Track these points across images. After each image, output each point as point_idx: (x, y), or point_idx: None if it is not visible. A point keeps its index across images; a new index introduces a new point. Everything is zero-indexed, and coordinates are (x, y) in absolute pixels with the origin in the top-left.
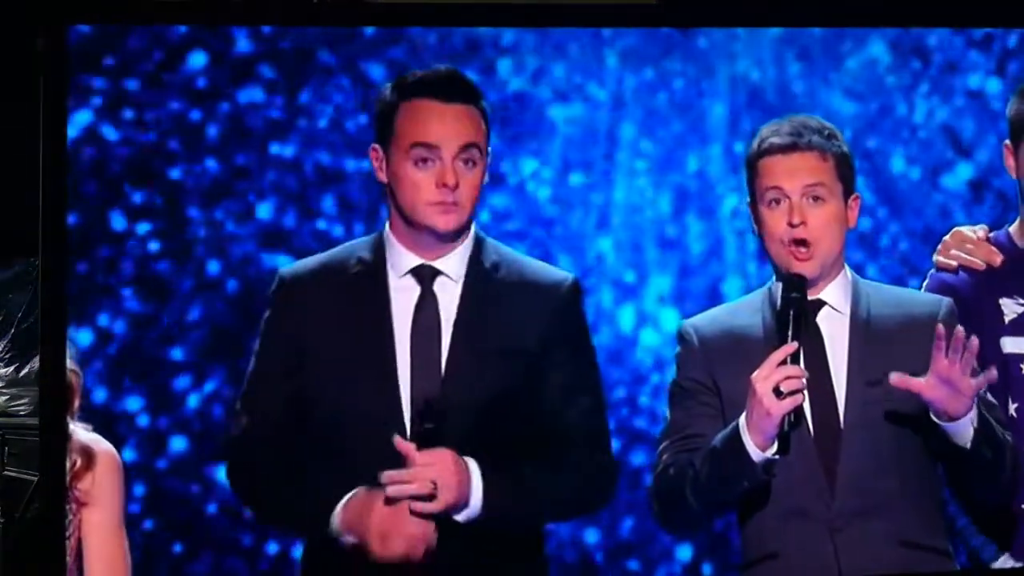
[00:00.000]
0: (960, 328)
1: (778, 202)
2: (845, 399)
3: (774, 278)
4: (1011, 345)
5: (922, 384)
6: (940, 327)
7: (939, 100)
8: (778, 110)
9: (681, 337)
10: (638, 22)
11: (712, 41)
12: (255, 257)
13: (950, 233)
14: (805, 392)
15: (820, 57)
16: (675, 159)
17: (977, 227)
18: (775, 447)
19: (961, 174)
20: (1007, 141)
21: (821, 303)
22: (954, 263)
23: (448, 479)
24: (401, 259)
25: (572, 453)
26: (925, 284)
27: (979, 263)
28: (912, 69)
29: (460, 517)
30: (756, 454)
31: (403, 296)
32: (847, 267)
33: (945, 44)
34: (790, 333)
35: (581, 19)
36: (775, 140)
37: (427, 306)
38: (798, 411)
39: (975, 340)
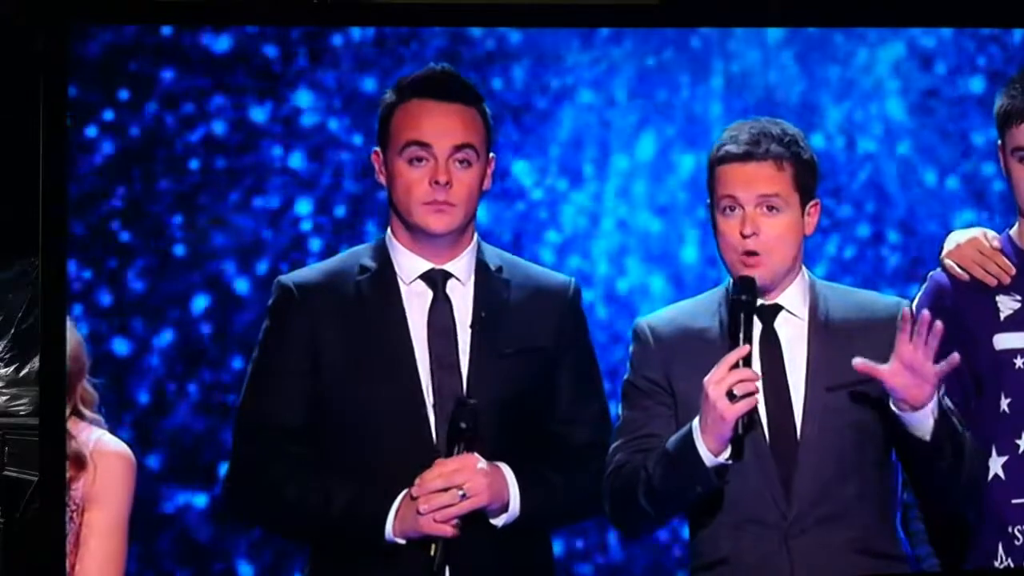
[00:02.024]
0: (926, 312)
1: (732, 210)
2: (804, 404)
3: (729, 280)
4: (1005, 341)
5: (885, 370)
6: (906, 309)
7: (937, 100)
8: (775, 110)
9: (636, 336)
10: (638, 22)
11: (707, 40)
12: (257, 260)
13: (966, 239)
14: (761, 397)
15: (818, 56)
16: (673, 160)
17: (990, 234)
18: (728, 452)
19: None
20: (999, 141)
21: (778, 308)
22: (966, 276)
23: (476, 483)
24: (409, 264)
25: (585, 454)
26: (925, 286)
27: (993, 279)
28: (911, 69)
29: (498, 521)
30: (709, 459)
31: (415, 300)
32: (805, 270)
33: (944, 44)
34: (741, 336)
35: (581, 19)
36: (731, 148)
37: (441, 309)
38: (751, 415)
39: (939, 324)
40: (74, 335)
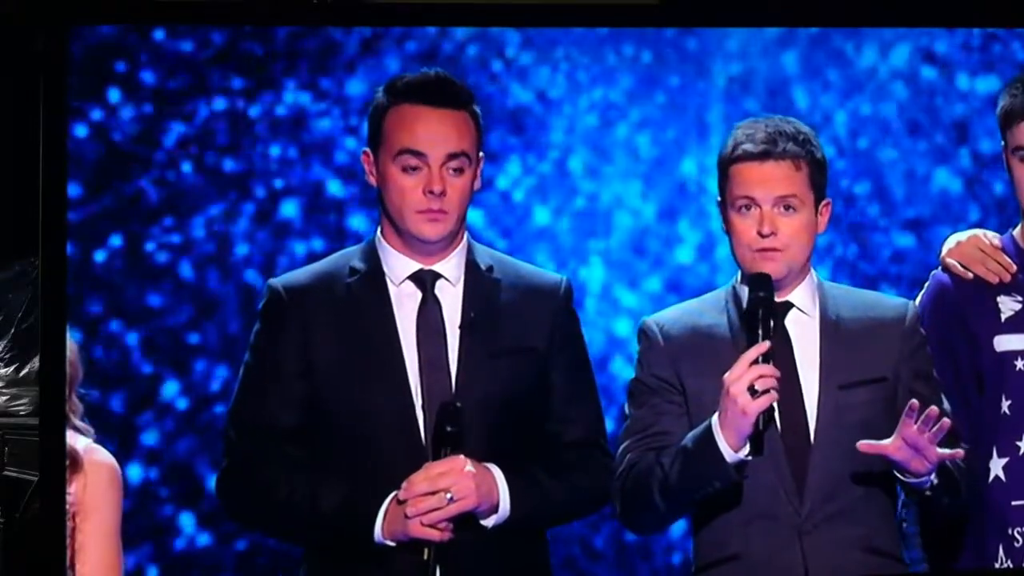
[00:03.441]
0: (934, 407)
1: (748, 208)
2: (817, 402)
3: (738, 276)
4: (1006, 342)
5: (889, 447)
6: (914, 401)
7: (938, 100)
8: (775, 109)
9: (644, 334)
10: (638, 22)
11: (706, 41)
12: (260, 258)
13: (966, 237)
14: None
15: (818, 56)
16: (672, 160)
17: (990, 233)
18: (748, 447)
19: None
20: (1002, 142)
21: (789, 305)
22: (969, 274)
23: (463, 486)
24: (398, 265)
25: (579, 453)
26: (928, 285)
27: (994, 277)
28: (910, 68)
29: (488, 522)
30: (729, 454)
31: (405, 301)
32: (813, 270)
33: (946, 44)
34: (760, 332)
35: (581, 19)
36: (748, 147)
37: (430, 310)
38: (769, 411)
39: (947, 421)
40: (71, 343)
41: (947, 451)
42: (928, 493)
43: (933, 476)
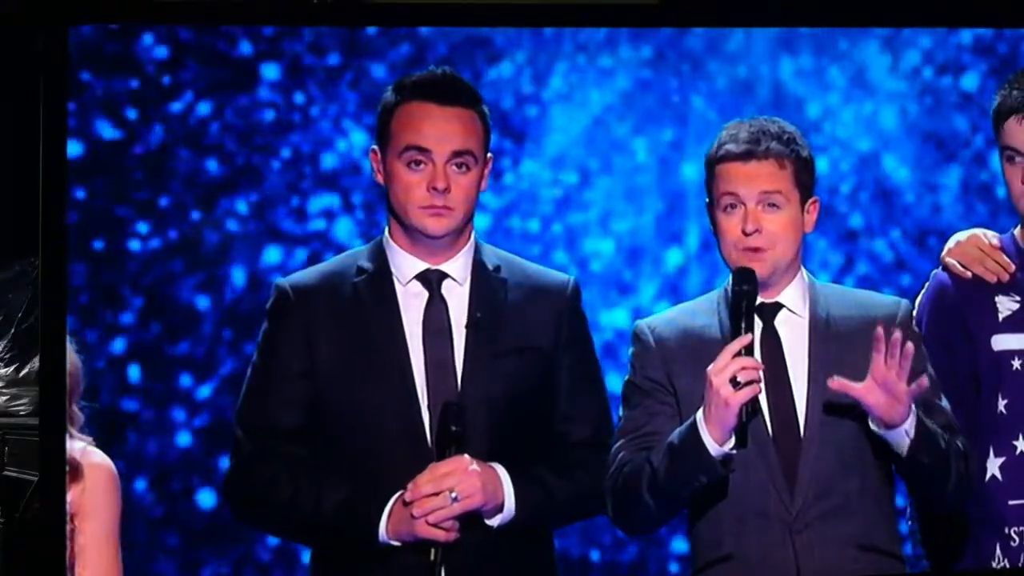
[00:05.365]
0: (897, 332)
1: (734, 207)
2: (807, 401)
3: (730, 279)
4: (1003, 342)
5: (860, 389)
6: (879, 330)
7: (936, 100)
8: (775, 110)
9: (637, 337)
10: (638, 22)
11: (707, 40)
12: (257, 259)
13: (966, 236)
14: (763, 390)
15: (817, 56)
16: (672, 160)
17: (989, 233)
18: (733, 441)
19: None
20: (997, 143)
21: (779, 306)
22: (968, 274)
23: (468, 485)
24: (405, 264)
25: (585, 452)
26: (928, 285)
27: (993, 276)
28: (910, 69)
29: (493, 522)
30: (714, 448)
31: (411, 301)
32: (804, 270)
33: (942, 44)
34: (743, 325)
35: (581, 19)
36: (732, 147)
37: (437, 309)
38: (754, 404)
39: (911, 345)
40: (72, 356)
41: (914, 385)
42: (908, 453)
43: (910, 427)
